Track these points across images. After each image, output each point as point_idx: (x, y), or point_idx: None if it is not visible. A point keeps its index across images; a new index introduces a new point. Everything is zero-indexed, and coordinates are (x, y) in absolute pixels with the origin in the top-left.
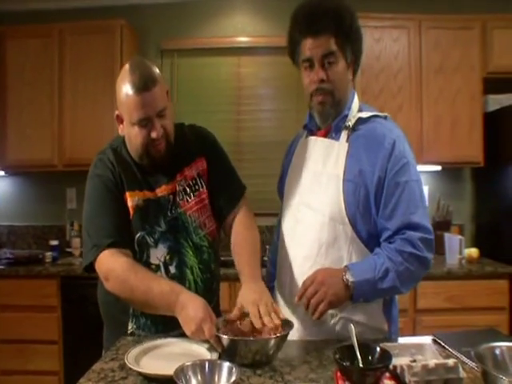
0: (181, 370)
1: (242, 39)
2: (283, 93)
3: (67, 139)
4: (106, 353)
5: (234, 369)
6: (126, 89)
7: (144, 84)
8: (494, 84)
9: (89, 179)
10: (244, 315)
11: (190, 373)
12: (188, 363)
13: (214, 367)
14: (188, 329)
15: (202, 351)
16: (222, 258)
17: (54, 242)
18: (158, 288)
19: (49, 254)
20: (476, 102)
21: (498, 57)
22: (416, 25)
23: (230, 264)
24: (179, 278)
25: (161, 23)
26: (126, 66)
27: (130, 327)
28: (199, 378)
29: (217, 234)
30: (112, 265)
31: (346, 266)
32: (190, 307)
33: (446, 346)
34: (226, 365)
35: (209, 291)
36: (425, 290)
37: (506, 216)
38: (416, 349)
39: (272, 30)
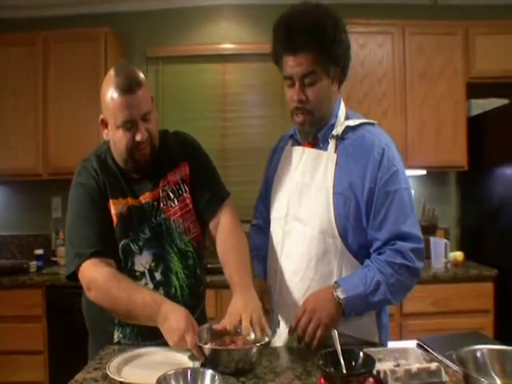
0: (163, 379)
1: (227, 46)
2: (268, 99)
3: (52, 148)
4: (89, 362)
5: (217, 376)
6: (110, 92)
7: (129, 86)
8: (476, 89)
9: (72, 188)
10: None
11: (173, 381)
12: (170, 372)
13: (197, 375)
14: (171, 339)
15: (184, 360)
16: (209, 266)
17: (39, 252)
18: (140, 299)
19: (34, 263)
20: (460, 106)
21: (481, 62)
22: (400, 30)
23: (217, 271)
24: (165, 285)
25: (145, 31)
26: (111, 70)
27: (115, 336)
28: None
29: (202, 239)
30: (94, 274)
31: (335, 282)
32: (173, 318)
33: (429, 349)
34: (209, 372)
35: (195, 296)
36: (411, 294)
37: (490, 219)
38: (400, 353)
39: (256, 37)
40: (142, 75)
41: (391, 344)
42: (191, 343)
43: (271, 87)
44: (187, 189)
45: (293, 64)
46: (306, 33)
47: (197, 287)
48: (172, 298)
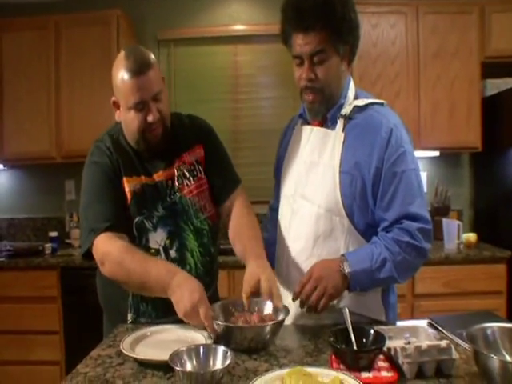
0: (176, 355)
1: (238, 27)
2: (280, 80)
3: (65, 131)
4: (104, 340)
5: (229, 353)
6: (121, 74)
7: (139, 68)
8: (492, 68)
9: (86, 167)
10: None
11: (186, 357)
12: (183, 348)
13: (209, 351)
14: (182, 309)
15: (196, 337)
16: (222, 247)
17: (54, 234)
18: (154, 270)
19: (48, 245)
20: (474, 86)
21: (496, 41)
22: (413, 10)
23: (230, 252)
24: (180, 262)
25: (157, 13)
26: (121, 53)
27: (129, 317)
28: (194, 362)
29: (216, 218)
30: (108, 248)
31: (342, 255)
32: (186, 288)
33: (440, 328)
34: (221, 349)
35: (209, 274)
36: (423, 275)
37: (504, 201)
38: (410, 331)
39: (268, 18)
40: (152, 56)
41: (402, 323)
42: (204, 315)
43: (283, 68)
44: (202, 170)
45: (302, 43)
46: (315, 11)
47: (211, 265)
48: None
